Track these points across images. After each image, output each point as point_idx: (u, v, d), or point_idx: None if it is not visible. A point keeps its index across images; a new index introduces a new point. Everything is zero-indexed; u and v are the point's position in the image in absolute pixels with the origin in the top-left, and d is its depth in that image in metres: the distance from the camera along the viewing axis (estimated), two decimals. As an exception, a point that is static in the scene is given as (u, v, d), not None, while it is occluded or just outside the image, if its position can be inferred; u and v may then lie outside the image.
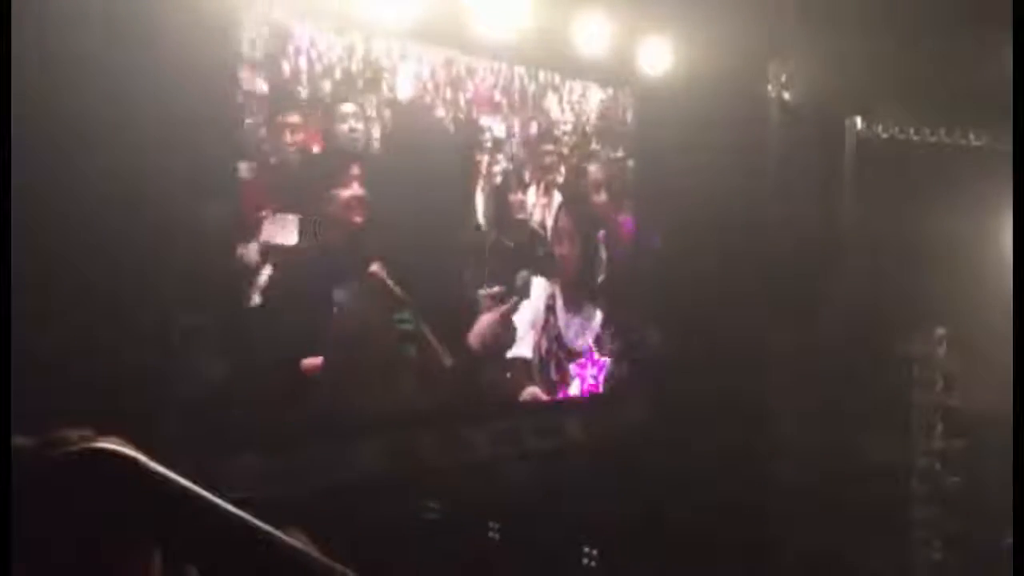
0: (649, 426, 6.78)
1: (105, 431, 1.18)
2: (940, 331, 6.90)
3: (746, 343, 6.66)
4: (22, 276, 3.06)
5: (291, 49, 4.92)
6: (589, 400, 6.63)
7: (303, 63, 4.96)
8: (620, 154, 6.83)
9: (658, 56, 6.55)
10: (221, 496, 1.04)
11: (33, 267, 3.68)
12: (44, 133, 3.87)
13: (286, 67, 4.90)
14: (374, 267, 5.31)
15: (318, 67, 5.04)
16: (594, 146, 6.65)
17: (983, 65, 6.24)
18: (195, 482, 1.01)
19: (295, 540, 0.94)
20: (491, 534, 5.73)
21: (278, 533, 0.94)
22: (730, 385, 6.61)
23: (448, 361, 5.65)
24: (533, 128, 6.21)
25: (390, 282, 5.34)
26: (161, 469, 0.97)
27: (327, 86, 5.10)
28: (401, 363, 5.45)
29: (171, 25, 4.29)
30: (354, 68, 5.20)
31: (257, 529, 0.93)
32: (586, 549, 6.13)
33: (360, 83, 5.24)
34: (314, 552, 0.95)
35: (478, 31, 5.66)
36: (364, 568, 1.04)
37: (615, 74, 6.62)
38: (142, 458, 0.97)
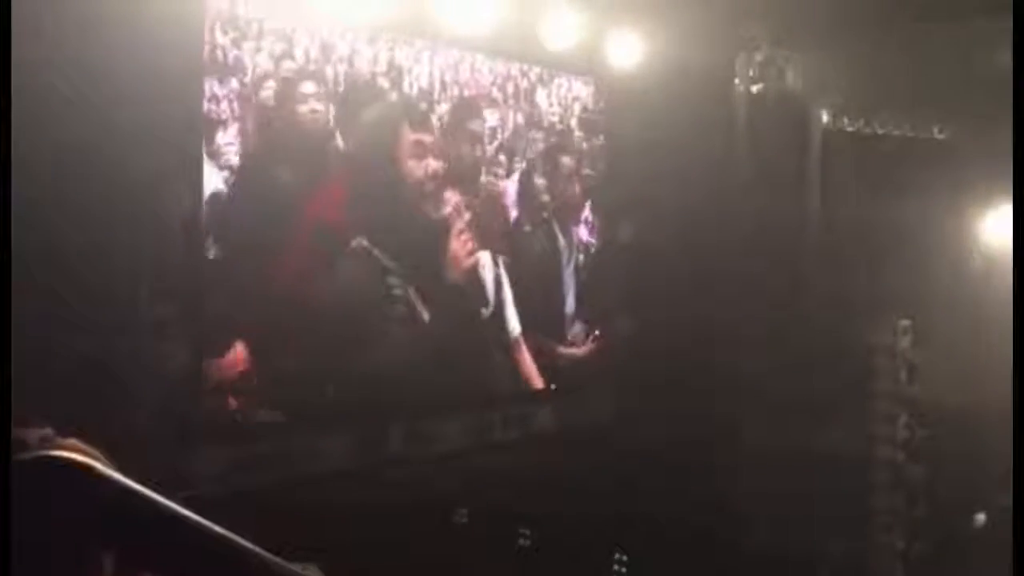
0: (614, 413, 6.84)
1: (67, 430, 1.20)
2: (904, 322, 6.98)
3: (711, 334, 6.71)
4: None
5: (335, 58, 5.27)
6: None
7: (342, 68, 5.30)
8: (599, 141, 6.93)
9: (627, 50, 6.58)
10: (183, 498, 1.06)
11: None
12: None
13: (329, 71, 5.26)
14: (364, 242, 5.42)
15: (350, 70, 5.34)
16: (577, 133, 6.79)
17: (948, 60, 6.31)
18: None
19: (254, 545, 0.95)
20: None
21: (234, 536, 0.96)
22: (695, 375, 6.67)
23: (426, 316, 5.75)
24: (521, 118, 6.39)
25: (377, 252, 5.45)
26: (117, 476, 0.98)
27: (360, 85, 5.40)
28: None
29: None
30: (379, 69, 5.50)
31: (211, 533, 0.95)
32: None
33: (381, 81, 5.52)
34: (267, 554, 0.97)
35: (454, 25, 5.69)
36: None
37: (586, 67, 6.66)
38: (97, 465, 0.98)
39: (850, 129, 6.86)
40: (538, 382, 6.53)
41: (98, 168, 4.17)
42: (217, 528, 0.98)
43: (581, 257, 6.83)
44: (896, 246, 6.71)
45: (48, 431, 1.13)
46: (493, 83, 6.19)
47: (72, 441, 1.16)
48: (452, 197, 5.91)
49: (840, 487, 6.84)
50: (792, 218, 6.95)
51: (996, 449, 5.98)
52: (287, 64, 5.08)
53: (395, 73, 5.59)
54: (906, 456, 6.88)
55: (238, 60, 4.86)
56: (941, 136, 6.90)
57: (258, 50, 4.93)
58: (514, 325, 6.37)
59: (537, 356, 6.52)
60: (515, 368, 6.41)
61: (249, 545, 0.99)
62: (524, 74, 6.40)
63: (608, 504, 6.31)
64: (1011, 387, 4.81)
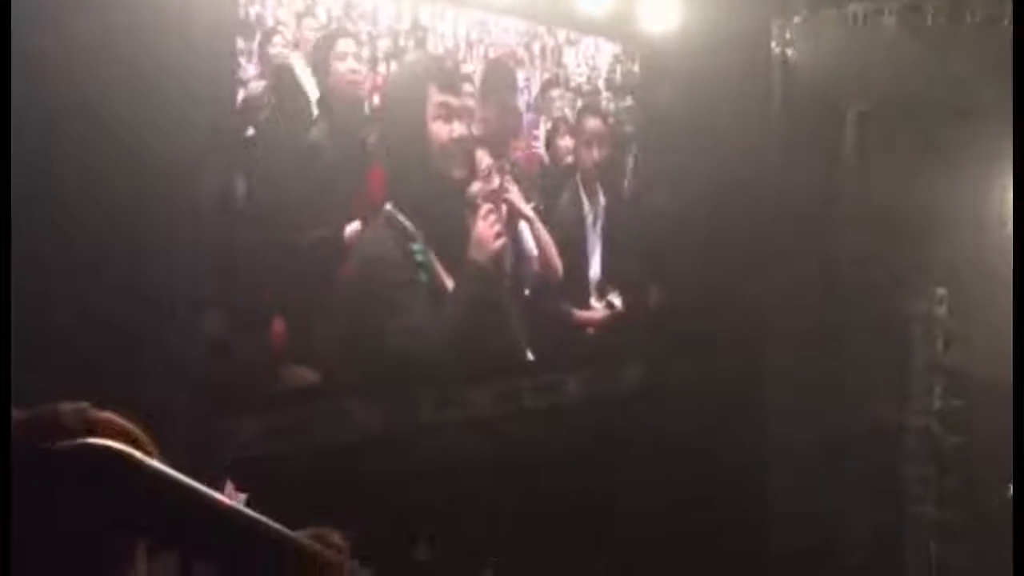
0: (640, 382, 6.81)
1: (103, 402, 1.19)
2: (940, 291, 6.90)
3: (741, 302, 6.66)
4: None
5: (356, 14, 5.18)
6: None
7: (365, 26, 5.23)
8: (628, 103, 6.83)
9: (660, 13, 6.50)
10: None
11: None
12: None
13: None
14: (387, 206, 5.35)
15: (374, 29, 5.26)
16: (604, 93, 6.69)
17: (984, 32, 6.20)
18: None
19: (295, 533, 0.94)
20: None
21: (270, 521, 0.94)
22: (728, 345, 6.63)
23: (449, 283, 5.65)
24: (548, 78, 6.31)
25: (401, 217, 5.37)
26: (155, 464, 0.98)
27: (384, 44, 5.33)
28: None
29: None
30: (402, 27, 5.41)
31: (249, 519, 0.94)
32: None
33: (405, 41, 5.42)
34: (302, 538, 0.96)
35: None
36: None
37: (618, 31, 6.58)
38: (137, 454, 0.97)
39: (887, 97, 6.75)
40: (561, 350, 6.48)
41: (128, 140, 4.14)
42: (251, 513, 0.97)
43: (607, 222, 6.74)
44: (933, 215, 6.62)
45: (83, 404, 1.12)
46: (519, 42, 6.10)
47: (107, 415, 1.15)
48: (480, 160, 5.83)
49: (873, 456, 6.81)
50: (827, 186, 6.88)
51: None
52: (309, 22, 5.00)
53: (420, 32, 5.51)
54: (941, 426, 6.83)
55: (260, 18, 4.79)
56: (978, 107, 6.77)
57: (280, 5, 4.86)
58: (540, 290, 6.30)
59: (561, 323, 6.48)
60: (539, 335, 6.35)
61: (284, 530, 0.98)
62: (551, 33, 6.30)
63: (633, 475, 6.32)
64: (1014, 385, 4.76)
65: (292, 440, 4.93)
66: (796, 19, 6.71)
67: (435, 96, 5.50)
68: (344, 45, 5.12)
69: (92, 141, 3.99)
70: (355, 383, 5.33)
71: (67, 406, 1.11)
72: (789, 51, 6.81)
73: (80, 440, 0.97)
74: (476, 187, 5.79)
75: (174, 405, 4.16)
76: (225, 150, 4.71)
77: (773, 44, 6.85)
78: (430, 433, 5.61)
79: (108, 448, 0.96)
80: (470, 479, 5.62)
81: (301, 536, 0.95)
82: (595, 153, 6.61)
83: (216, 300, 4.66)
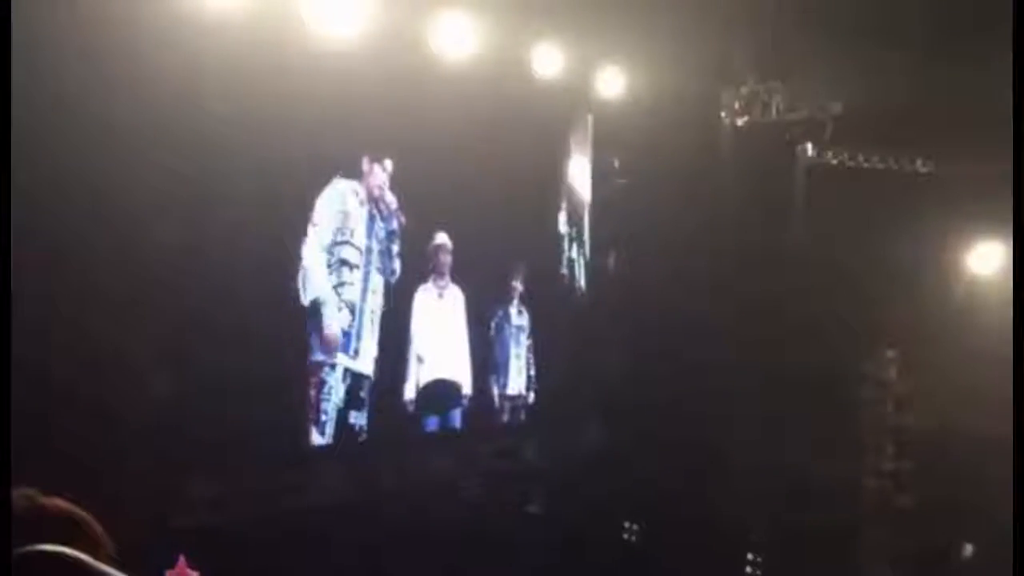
0: (601, 448, 6.86)
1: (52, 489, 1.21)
2: (891, 353, 7.00)
3: (695, 368, 6.70)
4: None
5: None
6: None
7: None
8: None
9: (615, 83, 6.63)
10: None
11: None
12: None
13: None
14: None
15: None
16: None
17: (931, 95, 6.36)
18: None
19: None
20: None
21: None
22: (680, 408, 6.67)
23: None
24: None
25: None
26: (104, 568, 0.99)
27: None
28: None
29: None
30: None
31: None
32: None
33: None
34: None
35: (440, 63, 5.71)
36: None
37: (575, 100, 6.70)
38: (86, 559, 0.98)
39: (834, 162, 6.89)
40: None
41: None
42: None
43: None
44: (881, 277, 6.73)
45: (30, 490, 1.14)
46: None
47: (55, 501, 1.16)
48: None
49: (827, 519, 6.83)
50: (776, 249, 6.96)
51: (980, 479, 6.02)
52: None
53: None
54: (893, 486, 6.88)
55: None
56: (924, 169, 6.94)
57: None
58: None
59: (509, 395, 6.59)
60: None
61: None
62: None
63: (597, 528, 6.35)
64: (1008, 409, 4.84)
65: (245, 508, 4.92)
66: (743, 90, 6.86)
67: None
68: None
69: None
70: (315, 448, 5.37)
71: (16, 492, 1.12)
72: (739, 120, 6.93)
73: (32, 548, 0.98)
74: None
75: (126, 472, 4.14)
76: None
77: (722, 114, 6.97)
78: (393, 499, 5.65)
79: (60, 554, 0.97)
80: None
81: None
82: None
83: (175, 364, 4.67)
